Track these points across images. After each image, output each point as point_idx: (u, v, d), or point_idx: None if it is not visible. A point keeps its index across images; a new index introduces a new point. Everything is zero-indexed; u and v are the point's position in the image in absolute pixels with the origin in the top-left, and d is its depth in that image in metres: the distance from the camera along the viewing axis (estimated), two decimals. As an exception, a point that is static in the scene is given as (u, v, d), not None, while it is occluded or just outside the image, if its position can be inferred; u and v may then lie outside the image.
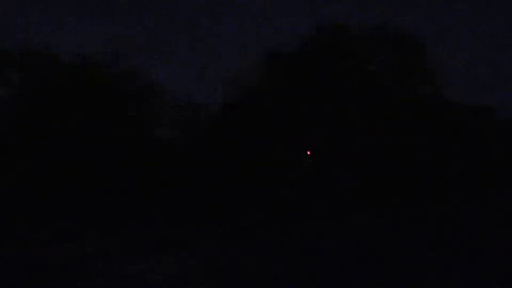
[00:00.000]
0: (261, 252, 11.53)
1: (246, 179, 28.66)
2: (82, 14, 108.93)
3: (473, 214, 22.69)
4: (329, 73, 35.85)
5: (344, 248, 11.69)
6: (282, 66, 35.87)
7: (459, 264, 9.76)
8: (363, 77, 39.01)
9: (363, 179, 34.97)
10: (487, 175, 54.29)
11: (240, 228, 16.07)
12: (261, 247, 12.43)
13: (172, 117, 33.13)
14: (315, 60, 35.97)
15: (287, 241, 13.78)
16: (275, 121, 33.02)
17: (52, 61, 29.26)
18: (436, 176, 44.30)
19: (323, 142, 34.72)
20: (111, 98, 30.22)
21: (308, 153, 38.12)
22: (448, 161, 47.46)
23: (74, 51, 31.19)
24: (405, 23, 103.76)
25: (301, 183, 32.29)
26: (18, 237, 13.45)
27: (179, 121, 33.29)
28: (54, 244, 12.05)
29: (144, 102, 32.72)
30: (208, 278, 8.43)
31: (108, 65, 30.82)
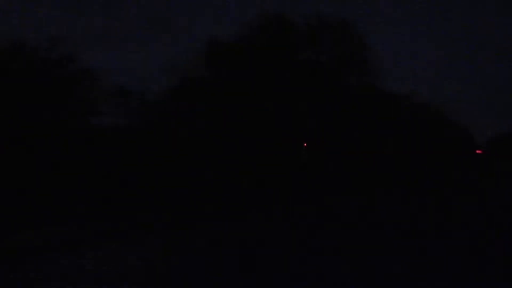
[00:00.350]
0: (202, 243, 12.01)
1: (186, 169, 28.82)
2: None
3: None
4: (269, 63, 36.46)
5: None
6: (223, 55, 36.10)
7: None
8: (301, 66, 39.96)
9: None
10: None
11: (185, 217, 16.51)
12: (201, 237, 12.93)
13: (110, 105, 32.59)
14: (255, 49, 36.46)
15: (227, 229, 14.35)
16: (214, 109, 33.30)
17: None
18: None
19: (260, 131, 35.38)
20: (42, 84, 29.25)
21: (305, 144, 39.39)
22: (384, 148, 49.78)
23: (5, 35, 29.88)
24: (343, 13, 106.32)
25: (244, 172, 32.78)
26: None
27: (117, 108, 32.80)
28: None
29: (79, 88, 31.93)
30: (161, 271, 8.77)
31: (41, 49, 29.77)
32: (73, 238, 12.08)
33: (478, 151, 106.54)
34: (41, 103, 28.11)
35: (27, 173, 21.73)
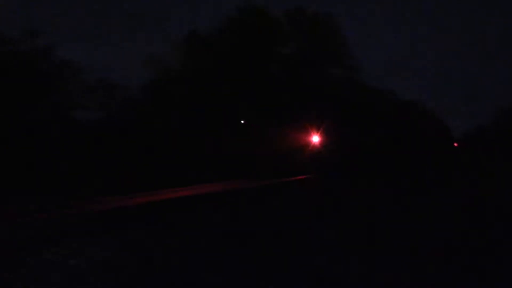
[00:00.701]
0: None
1: (167, 160, 28.98)
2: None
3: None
4: (247, 55, 36.70)
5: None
6: (202, 47, 36.20)
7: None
8: (280, 59, 40.29)
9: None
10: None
11: (164, 211, 16.64)
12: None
13: (90, 98, 32.43)
14: (234, 42, 36.65)
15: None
16: (193, 101, 33.42)
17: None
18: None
19: (242, 123, 35.71)
20: (22, 77, 28.99)
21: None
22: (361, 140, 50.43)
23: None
24: (321, 7, 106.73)
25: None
26: None
27: (98, 102, 32.66)
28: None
29: (60, 81, 31.69)
30: (131, 263, 8.83)
31: (20, 42, 29.47)
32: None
33: (455, 144, 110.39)
34: (21, 97, 27.88)
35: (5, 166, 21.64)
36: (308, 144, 40.51)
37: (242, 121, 36.74)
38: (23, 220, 13.44)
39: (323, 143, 42.44)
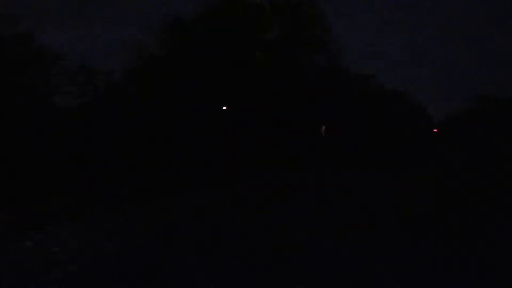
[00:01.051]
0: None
1: (146, 148, 28.90)
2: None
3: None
4: (230, 41, 36.58)
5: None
6: (183, 33, 35.97)
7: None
8: (262, 45, 40.26)
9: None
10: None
11: (139, 198, 16.68)
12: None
13: (71, 84, 32.13)
14: (216, 27, 36.47)
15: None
16: (175, 88, 33.27)
17: None
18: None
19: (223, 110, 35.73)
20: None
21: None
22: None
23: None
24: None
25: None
26: None
27: (78, 88, 32.38)
28: None
29: (39, 67, 31.32)
30: (109, 250, 8.95)
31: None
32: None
33: (434, 130, 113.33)
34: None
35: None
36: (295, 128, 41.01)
37: (225, 107, 36.74)
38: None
39: (308, 127, 43.03)
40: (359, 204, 14.22)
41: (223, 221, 11.70)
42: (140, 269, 7.42)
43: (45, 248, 8.86)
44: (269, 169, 28.68)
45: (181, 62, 34.46)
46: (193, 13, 37.26)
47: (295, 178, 23.53)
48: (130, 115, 29.76)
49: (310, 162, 34.48)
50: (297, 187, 19.71)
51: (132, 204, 14.78)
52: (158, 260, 7.93)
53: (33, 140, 24.44)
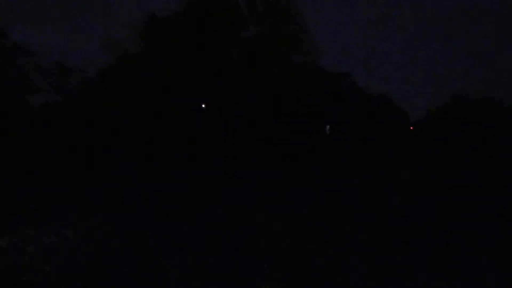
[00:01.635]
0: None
1: (121, 146, 28.80)
2: None
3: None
4: (207, 39, 36.56)
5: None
6: (159, 30, 35.76)
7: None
8: (239, 43, 40.34)
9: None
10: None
11: (115, 196, 16.62)
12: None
13: (45, 82, 31.73)
14: (193, 25, 36.40)
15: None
16: (150, 86, 33.15)
17: None
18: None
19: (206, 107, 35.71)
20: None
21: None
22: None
23: None
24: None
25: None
26: None
27: (53, 85, 31.99)
28: None
29: (13, 65, 30.85)
30: (85, 249, 8.95)
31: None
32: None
33: (411, 128, 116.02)
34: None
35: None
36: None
37: (203, 105, 36.74)
38: None
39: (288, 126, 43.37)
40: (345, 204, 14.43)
41: (218, 219, 11.79)
42: (115, 268, 7.50)
43: (19, 248, 8.84)
44: (244, 168, 28.77)
45: (156, 60, 34.31)
46: (168, 10, 37.14)
47: (271, 177, 23.67)
48: (103, 113, 29.56)
49: (287, 160, 34.73)
50: (274, 186, 19.84)
51: (109, 204, 14.75)
52: (134, 259, 8.00)
53: (6, 139, 24.11)
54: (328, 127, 53.68)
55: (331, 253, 8.27)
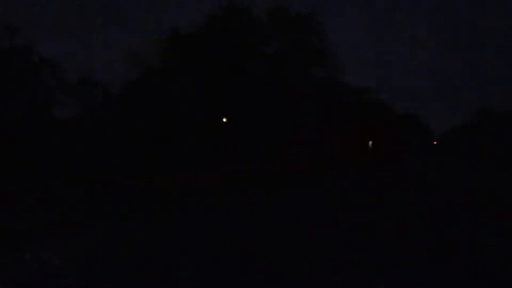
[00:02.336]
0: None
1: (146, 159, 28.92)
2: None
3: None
4: (230, 54, 36.74)
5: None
6: (184, 45, 36.10)
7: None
8: (261, 58, 40.46)
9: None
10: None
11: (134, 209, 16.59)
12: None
13: (70, 96, 32.26)
14: (216, 40, 36.65)
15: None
16: (176, 100, 33.37)
17: None
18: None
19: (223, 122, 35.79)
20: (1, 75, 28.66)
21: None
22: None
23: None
24: (302, 5, 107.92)
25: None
26: None
27: (78, 100, 32.50)
28: None
29: (39, 79, 31.44)
30: (99, 261, 8.83)
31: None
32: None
33: (434, 142, 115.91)
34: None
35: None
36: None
37: (224, 119, 36.82)
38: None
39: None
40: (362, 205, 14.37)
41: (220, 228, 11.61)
42: (121, 283, 7.36)
43: (25, 265, 8.75)
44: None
45: (180, 74, 34.61)
46: (193, 25, 37.51)
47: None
48: (128, 126, 29.84)
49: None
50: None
51: (123, 219, 14.60)
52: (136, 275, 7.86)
53: (31, 151, 24.46)
54: (370, 142, 64.08)
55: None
